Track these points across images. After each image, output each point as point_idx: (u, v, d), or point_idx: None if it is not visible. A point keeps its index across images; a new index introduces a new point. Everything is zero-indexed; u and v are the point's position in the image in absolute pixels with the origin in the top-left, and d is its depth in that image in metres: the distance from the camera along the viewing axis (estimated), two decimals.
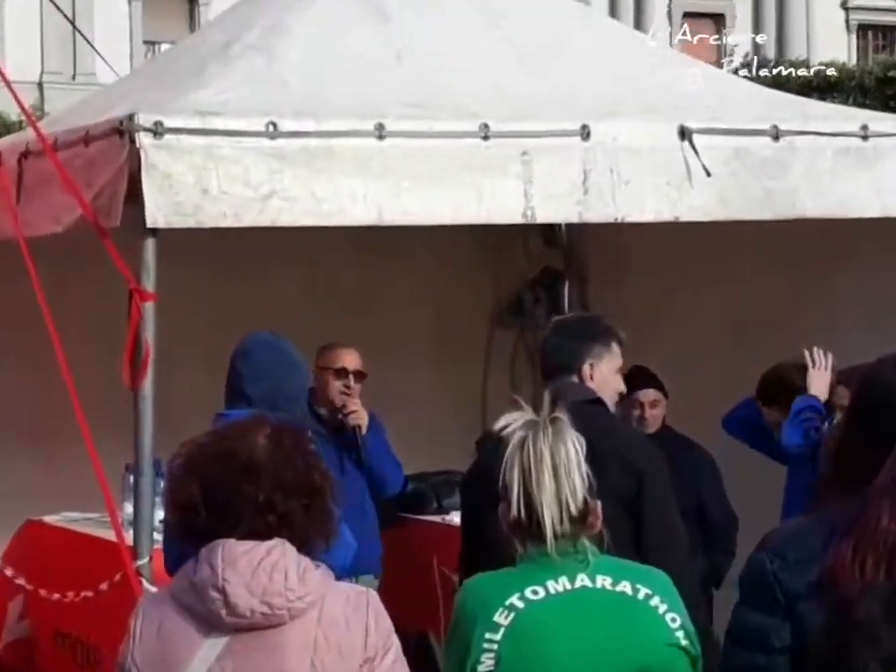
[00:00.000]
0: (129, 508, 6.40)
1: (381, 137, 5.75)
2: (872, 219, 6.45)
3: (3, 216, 6.35)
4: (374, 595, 3.28)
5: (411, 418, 7.75)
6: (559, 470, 3.43)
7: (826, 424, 6.53)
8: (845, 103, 17.77)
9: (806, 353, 6.66)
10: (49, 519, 6.76)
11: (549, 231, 8.68)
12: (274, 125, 5.63)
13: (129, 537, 5.78)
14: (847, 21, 50.57)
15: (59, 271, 6.12)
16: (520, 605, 3.39)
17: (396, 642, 3.27)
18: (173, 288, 5.65)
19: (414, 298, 8.46)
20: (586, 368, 5.22)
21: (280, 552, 3.17)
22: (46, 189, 6.05)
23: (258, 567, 3.14)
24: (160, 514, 6.13)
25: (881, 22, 51.17)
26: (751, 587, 3.15)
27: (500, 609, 3.38)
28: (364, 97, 6.02)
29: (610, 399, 5.30)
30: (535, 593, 3.40)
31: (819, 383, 6.64)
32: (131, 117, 5.48)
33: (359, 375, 6.90)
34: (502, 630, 3.37)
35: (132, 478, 6.36)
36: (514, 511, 3.43)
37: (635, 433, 5.28)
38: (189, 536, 3.28)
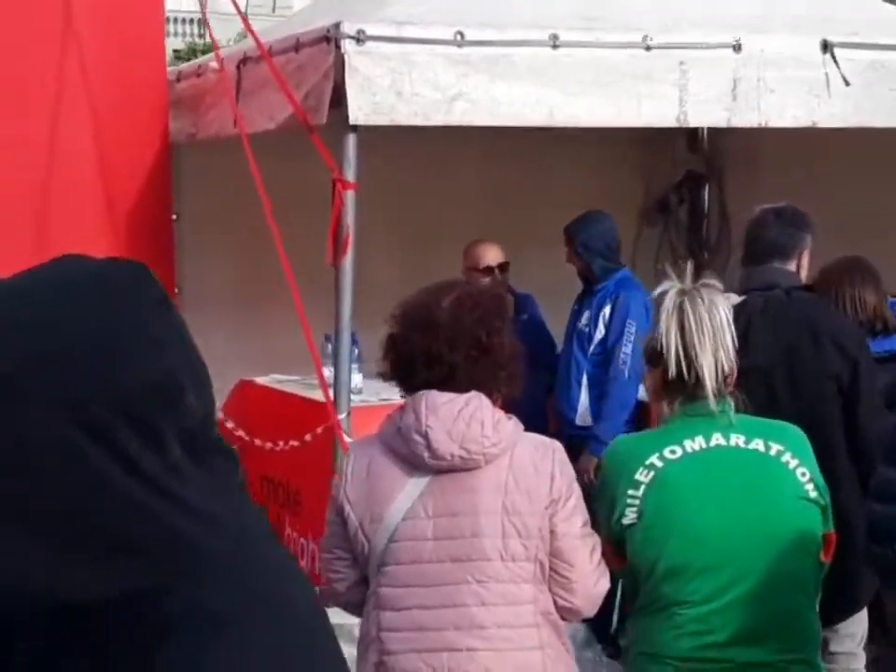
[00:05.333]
0: (327, 372, 6.31)
1: (555, 47, 5.52)
2: None
3: (225, 115, 6.25)
4: (559, 446, 3.12)
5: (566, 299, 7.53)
6: (716, 332, 3.20)
7: None
8: None
9: None
10: (259, 380, 6.67)
11: (692, 138, 8.38)
12: (461, 34, 5.43)
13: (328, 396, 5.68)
14: None
15: (272, 163, 5.96)
16: (659, 464, 3.22)
17: (577, 489, 3.11)
18: (369, 179, 5.51)
19: (576, 195, 8.19)
20: (802, 256, 4.81)
21: (477, 403, 3.01)
22: (261, 91, 5.92)
23: (457, 416, 2.99)
24: (356, 378, 6.04)
25: None
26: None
27: (641, 468, 3.22)
28: (539, 11, 5.78)
29: None
30: (672, 452, 3.22)
31: None
32: (337, 25, 5.32)
33: (503, 268, 6.68)
34: (643, 487, 3.21)
35: (329, 346, 6.28)
36: (673, 371, 3.20)
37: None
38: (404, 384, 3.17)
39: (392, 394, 6.66)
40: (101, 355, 1.24)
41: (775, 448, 3.26)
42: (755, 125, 5.85)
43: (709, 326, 3.18)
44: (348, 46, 5.29)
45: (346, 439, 5.31)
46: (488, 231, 7.19)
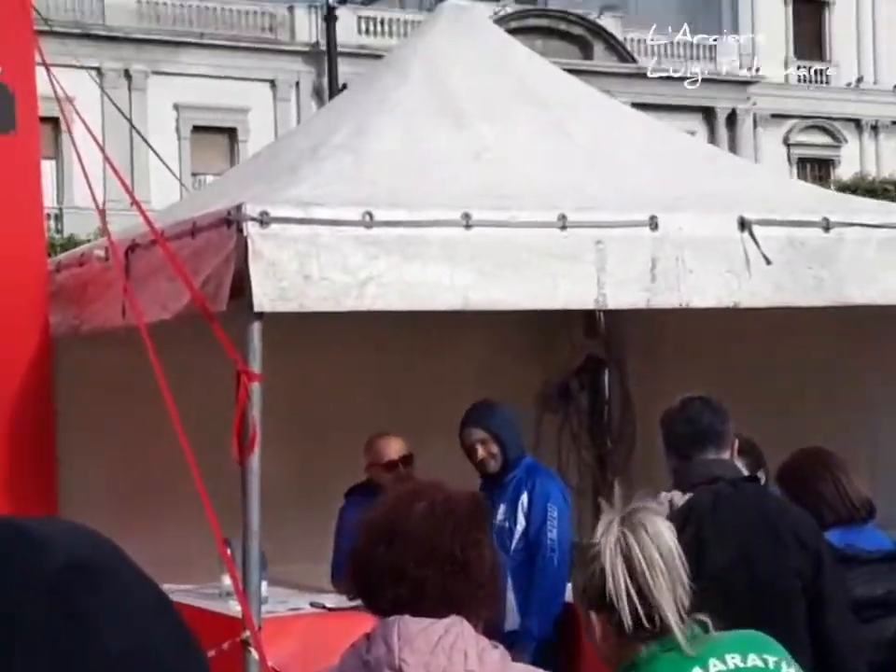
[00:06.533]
0: (226, 580, 5.86)
1: (468, 227, 5.26)
2: None
3: (111, 305, 5.85)
4: None
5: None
6: (669, 568, 2.79)
7: None
8: None
9: None
10: None
11: (590, 322, 8.17)
12: (370, 215, 5.14)
13: (230, 607, 5.22)
14: (788, 155, 50.59)
15: (165, 354, 5.56)
16: None
17: None
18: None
19: (470, 383, 7.90)
20: (734, 445, 4.49)
21: (458, 630, 2.57)
22: (153, 279, 5.55)
23: (436, 646, 2.54)
24: (263, 586, 5.59)
25: (817, 157, 51.25)
26: None
27: None
28: (449, 190, 5.53)
29: None
30: None
31: None
32: (239, 207, 5.00)
33: (406, 461, 6.43)
34: None
35: (228, 551, 5.86)
36: (629, 620, 2.73)
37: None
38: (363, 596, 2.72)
39: (301, 602, 6.28)
40: None
41: (771, 660, 2.88)
42: (675, 306, 5.62)
43: (660, 561, 2.76)
44: (251, 228, 4.96)
45: (255, 657, 4.84)
46: (384, 419, 6.85)
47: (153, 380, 5.67)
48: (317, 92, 41.79)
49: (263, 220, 4.97)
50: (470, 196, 5.44)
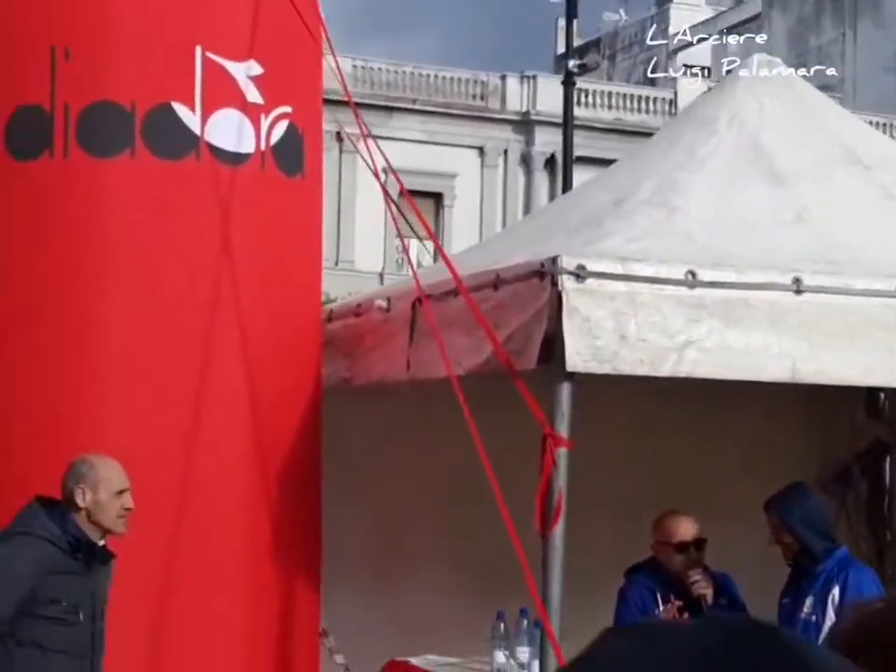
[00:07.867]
0: (500, 657, 5.48)
1: (798, 292, 4.81)
2: None
3: (392, 358, 5.54)
4: None
5: (750, 580, 6.66)
6: None
7: None
8: None
9: None
10: (415, 661, 5.77)
11: (872, 402, 7.61)
12: (693, 274, 4.73)
13: None
14: None
15: (453, 413, 5.18)
16: None
17: None
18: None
19: (744, 463, 7.40)
20: None
21: None
22: (444, 332, 5.19)
23: None
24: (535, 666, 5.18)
25: None
26: None
27: None
28: (773, 252, 5.09)
29: None
30: None
31: None
32: (554, 259, 4.63)
33: (699, 545, 5.93)
34: None
35: (502, 625, 5.51)
36: None
37: None
38: None
39: None
40: None
41: None
42: None
43: None
44: (567, 282, 4.59)
45: None
46: (655, 504, 6.36)
47: (422, 436, 5.33)
48: (525, 160, 41.76)
49: (580, 275, 4.61)
50: (797, 259, 4.99)
